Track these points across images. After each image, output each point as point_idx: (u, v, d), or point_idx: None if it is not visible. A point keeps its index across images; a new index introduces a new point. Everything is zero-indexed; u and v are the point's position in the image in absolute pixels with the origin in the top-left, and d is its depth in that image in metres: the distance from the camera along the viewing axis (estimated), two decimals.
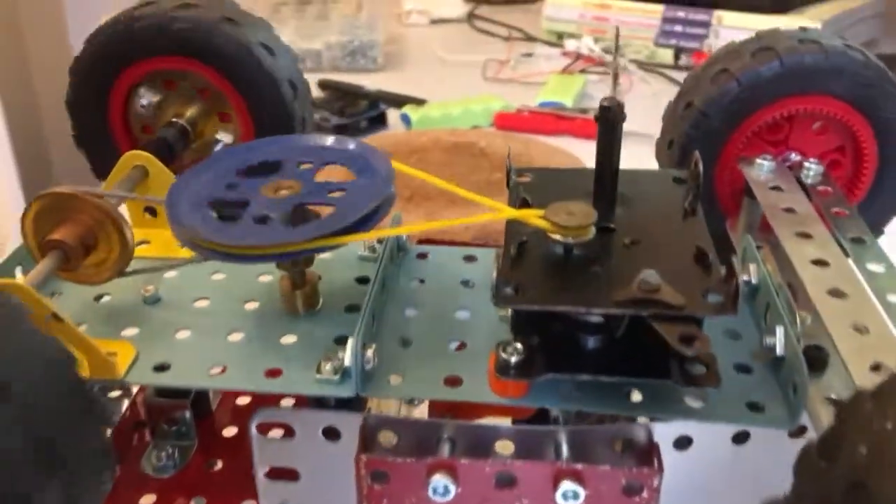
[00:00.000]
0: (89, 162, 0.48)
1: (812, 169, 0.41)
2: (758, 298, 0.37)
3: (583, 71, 1.11)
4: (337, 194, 0.34)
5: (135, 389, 0.44)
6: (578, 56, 1.15)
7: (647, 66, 1.10)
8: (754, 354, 0.35)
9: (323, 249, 0.32)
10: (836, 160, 0.45)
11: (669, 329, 0.29)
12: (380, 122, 0.97)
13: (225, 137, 0.47)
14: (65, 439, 0.25)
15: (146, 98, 0.47)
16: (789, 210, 0.38)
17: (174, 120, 0.46)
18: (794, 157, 0.45)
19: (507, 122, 0.96)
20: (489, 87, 1.09)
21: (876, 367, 0.31)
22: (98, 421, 0.27)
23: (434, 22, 1.37)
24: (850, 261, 0.36)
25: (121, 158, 0.41)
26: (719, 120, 0.44)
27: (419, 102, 1.00)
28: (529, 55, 1.17)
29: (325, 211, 0.34)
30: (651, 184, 0.38)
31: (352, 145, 0.37)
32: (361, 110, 0.96)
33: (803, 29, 0.45)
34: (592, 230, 0.33)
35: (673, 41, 1.13)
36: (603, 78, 1.09)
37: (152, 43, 0.44)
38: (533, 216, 0.33)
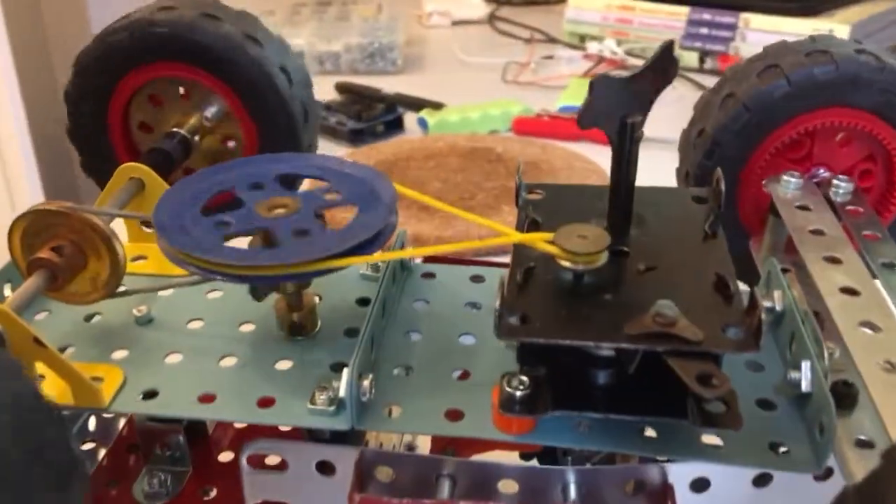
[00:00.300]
0: (80, 156, 0.47)
1: (842, 187, 0.39)
2: (782, 326, 0.34)
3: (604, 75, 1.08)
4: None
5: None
6: (601, 59, 1.12)
7: None
8: (778, 389, 0.33)
9: (321, 273, 0.30)
10: (868, 169, 0.43)
11: (686, 367, 0.27)
12: (397, 126, 0.95)
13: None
14: (13, 449, 0.23)
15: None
16: (817, 232, 0.36)
17: (175, 130, 0.44)
18: (823, 173, 0.42)
19: (527, 126, 0.94)
20: (509, 90, 1.06)
21: None
22: (57, 433, 0.25)
23: (455, 23, 1.35)
24: (882, 288, 0.33)
25: (116, 171, 0.39)
26: (733, 147, 0.41)
27: (437, 106, 0.98)
28: (550, 58, 1.15)
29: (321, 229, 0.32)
30: (669, 203, 0.36)
31: (356, 169, 0.35)
32: (378, 114, 0.94)
33: (812, 39, 0.43)
34: (605, 256, 0.30)
35: (698, 44, 1.11)
36: None
37: (165, 49, 0.43)
38: (541, 240, 0.31)
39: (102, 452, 0.41)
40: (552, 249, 0.31)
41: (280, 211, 0.33)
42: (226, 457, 0.41)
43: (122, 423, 0.43)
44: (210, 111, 0.45)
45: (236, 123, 0.46)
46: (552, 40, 1.23)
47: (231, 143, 0.47)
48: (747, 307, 0.29)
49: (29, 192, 1.12)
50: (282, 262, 0.29)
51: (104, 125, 0.45)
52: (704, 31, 1.11)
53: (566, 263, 0.30)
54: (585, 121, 0.31)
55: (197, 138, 0.45)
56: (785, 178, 0.39)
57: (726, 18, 1.09)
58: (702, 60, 1.10)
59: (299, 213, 0.32)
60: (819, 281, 0.33)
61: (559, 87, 1.05)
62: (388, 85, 1.04)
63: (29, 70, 1.14)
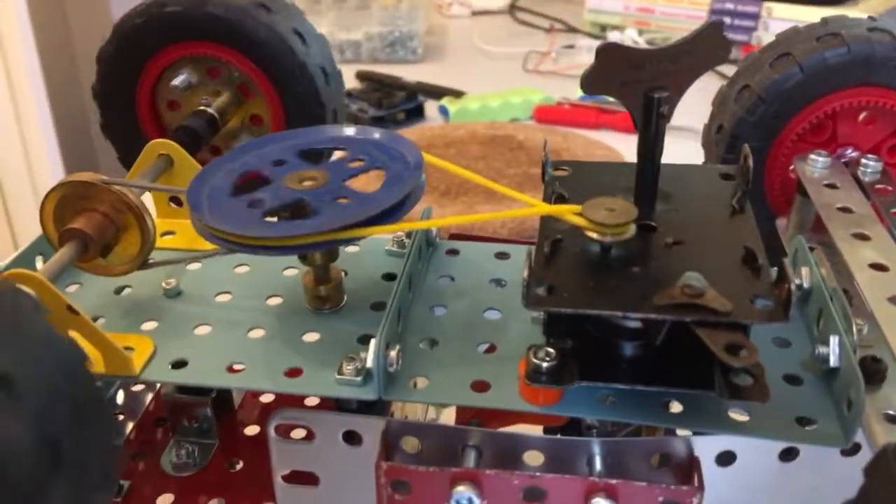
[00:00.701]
0: (116, 151, 0.47)
1: (870, 166, 0.39)
2: (810, 304, 0.34)
3: None
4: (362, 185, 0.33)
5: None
6: None
7: None
8: (805, 364, 0.33)
9: (346, 242, 0.31)
10: None
11: (714, 337, 0.27)
12: (417, 114, 0.96)
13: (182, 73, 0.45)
14: (71, 440, 0.24)
15: (181, 80, 0.46)
16: (845, 209, 0.36)
17: (202, 108, 0.45)
18: (851, 152, 0.42)
19: (547, 115, 0.94)
20: (530, 79, 1.06)
21: None
22: (106, 422, 0.26)
23: (475, 13, 1.35)
24: None
25: (145, 147, 0.40)
26: (753, 139, 0.41)
27: (457, 94, 0.98)
28: (571, 47, 1.15)
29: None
30: (696, 180, 0.36)
31: (378, 135, 0.35)
32: (399, 102, 0.95)
33: (824, 21, 0.43)
34: (633, 228, 0.30)
35: None
36: None
37: (181, 28, 0.43)
38: (569, 212, 0.31)
39: (130, 426, 0.42)
40: (580, 221, 0.31)
41: (309, 183, 0.33)
42: (252, 430, 0.41)
43: (149, 397, 0.44)
44: (235, 87, 0.45)
45: (261, 99, 0.46)
46: (573, 30, 1.23)
47: (257, 121, 0.48)
48: (776, 279, 0.29)
49: (50, 172, 1.14)
50: (326, 228, 0.30)
51: (133, 91, 0.45)
52: (727, 20, 1.10)
53: (594, 235, 0.30)
54: (587, 85, 0.32)
55: (225, 114, 0.45)
56: (812, 156, 0.39)
57: (749, 7, 1.09)
58: None
59: (330, 183, 0.33)
60: (848, 257, 0.33)
61: (580, 77, 1.04)
62: (409, 74, 1.04)
63: (51, 60, 1.15)
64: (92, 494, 0.25)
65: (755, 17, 1.08)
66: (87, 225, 0.34)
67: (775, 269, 0.29)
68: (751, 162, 0.34)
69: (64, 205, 0.34)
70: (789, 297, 0.27)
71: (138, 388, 0.44)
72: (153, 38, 0.44)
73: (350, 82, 1.01)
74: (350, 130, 0.36)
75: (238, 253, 0.32)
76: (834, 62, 0.40)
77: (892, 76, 0.40)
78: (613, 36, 1.15)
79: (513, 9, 1.35)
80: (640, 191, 0.33)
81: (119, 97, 0.46)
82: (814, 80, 0.41)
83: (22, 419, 0.22)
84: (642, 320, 0.29)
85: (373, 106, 0.93)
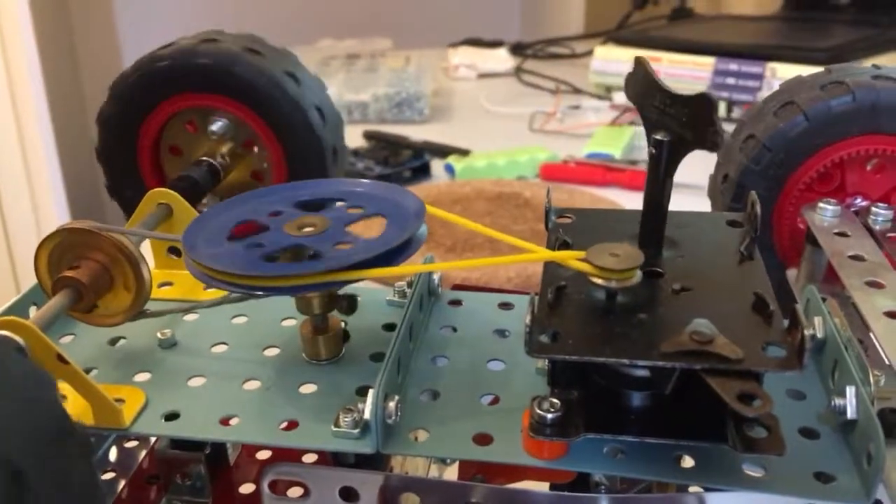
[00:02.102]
0: (123, 210, 0.47)
1: (881, 214, 0.38)
2: (824, 355, 0.33)
3: (631, 123, 1.09)
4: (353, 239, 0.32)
5: (152, 439, 0.42)
6: (627, 109, 1.13)
7: None
8: (821, 418, 0.31)
9: (344, 283, 0.30)
10: None
11: (725, 386, 0.26)
12: (424, 172, 0.96)
13: (220, 118, 0.45)
14: (39, 474, 0.22)
15: (219, 126, 0.46)
16: (857, 258, 0.35)
17: (203, 158, 0.44)
18: (860, 202, 0.41)
19: (554, 172, 0.94)
20: (536, 139, 1.07)
21: None
22: (80, 455, 0.24)
23: (482, 76, 1.36)
24: None
25: (146, 196, 0.39)
26: (759, 188, 0.41)
27: (464, 153, 0.98)
28: (577, 107, 1.15)
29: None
30: (702, 227, 0.35)
31: (379, 187, 0.35)
32: (405, 160, 0.95)
33: (829, 70, 0.43)
34: (638, 274, 0.30)
35: (725, 94, 1.11)
36: None
37: (174, 81, 0.43)
38: (573, 258, 0.30)
39: (122, 483, 0.41)
40: (584, 267, 0.30)
41: (309, 230, 0.32)
42: (247, 489, 0.40)
43: (142, 454, 0.42)
44: (240, 143, 0.45)
45: (266, 157, 0.46)
46: (578, 91, 1.24)
47: (258, 176, 0.48)
48: (789, 325, 0.28)
49: (56, 217, 1.14)
50: (327, 268, 0.29)
51: (134, 149, 0.45)
52: (731, 80, 1.11)
53: (599, 281, 0.29)
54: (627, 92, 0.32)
55: (226, 164, 0.45)
56: (821, 205, 0.39)
57: (753, 68, 1.10)
58: (729, 110, 1.10)
59: (331, 228, 0.32)
60: (862, 305, 0.32)
61: (586, 136, 1.05)
62: (416, 133, 1.04)
63: (59, 94, 1.17)
64: None
65: (759, 77, 1.09)
66: (82, 273, 0.33)
67: (788, 315, 0.28)
68: (758, 208, 0.34)
69: (60, 253, 0.34)
70: (803, 344, 0.26)
71: (131, 444, 0.42)
72: (147, 94, 0.44)
73: (357, 141, 1.02)
74: (350, 183, 0.36)
75: (233, 292, 0.31)
76: (839, 110, 0.40)
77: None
78: (619, 97, 1.16)
79: (518, 71, 1.36)
80: (647, 235, 0.33)
81: (121, 156, 0.46)
82: (819, 128, 0.41)
83: None
84: (650, 368, 0.28)
85: (379, 164, 0.94)
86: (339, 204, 0.35)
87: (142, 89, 0.44)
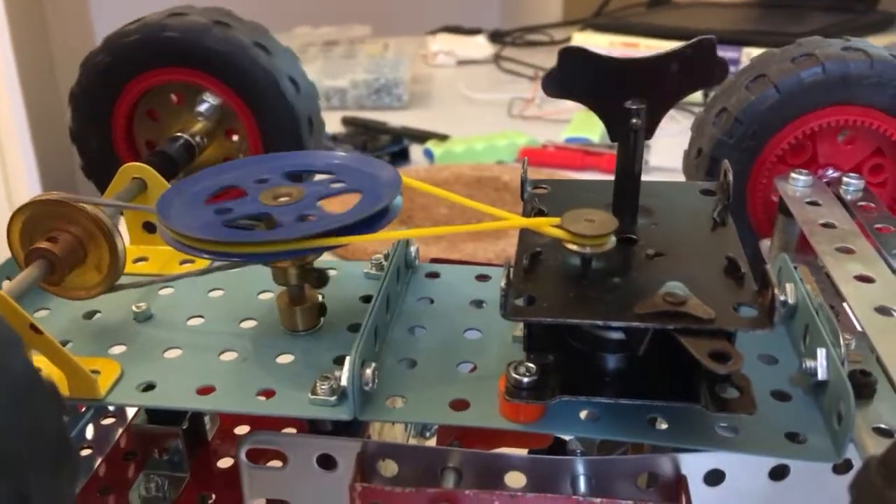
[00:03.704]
0: (81, 158, 0.47)
1: (852, 184, 0.38)
2: (796, 320, 0.33)
3: None
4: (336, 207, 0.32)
5: (129, 416, 0.42)
6: None
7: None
8: (793, 380, 0.32)
9: (320, 250, 0.30)
10: (878, 164, 0.42)
11: (698, 345, 0.26)
12: (402, 157, 0.96)
13: (210, 99, 0.45)
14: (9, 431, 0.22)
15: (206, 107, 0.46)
16: (829, 225, 0.35)
17: (178, 135, 0.44)
18: (832, 173, 0.42)
19: (533, 157, 0.94)
20: (515, 124, 1.07)
21: None
22: (52, 407, 0.24)
23: (461, 63, 1.36)
24: None
25: (119, 170, 0.39)
26: (732, 161, 0.41)
27: (442, 138, 0.98)
28: None
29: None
30: (676, 196, 0.35)
31: (357, 160, 0.35)
32: (384, 145, 0.95)
33: (799, 44, 0.43)
34: (613, 240, 0.30)
35: None
36: None
37: (146, 56, 0.43)
38: (547, 225, 0.30)
39: (99, 460, 0.40)
40: (559, 233, 0.30)
41: (284, 199, 0.32)
42: (225, 463, 0.40)
43: (119, 432, 0.42)
44: (217, 116, 0.45)
45: (242, 131, 0.46)
46: None
47: (235, 151, 0.47)
48: (759, 286, 0.28)
49: (28, 193, 1.13)
50: (281, 238, 0.29)
51: (108, 128, 0.45)
52: None
53: (573, 247, 0.30)
54: (545, 86, 0.32)
55: (202, 143, 0.45)
56: (793, 175, 0.39)
57: (729, 54, 1.10)
58: (705, 95, 1.11)
59: (302, 201, 0.32)
60: (833, 270, 0.32)
61: (564, 121, 1.05)
62: (394, 119, 1.04)
63: (31, 71, 1.15)
64: (40, 491, 0.23)
65: (735, 62, 1.09)
66: (55, 245, 0.33)
67: (759, 277, 0.28)
68: (731, 176, 0.34)
69: (32, 225, 0.34)
70: (773, 303, 0.26)
71: (108, 421, 0.42)
72: (118, 71, 0.44)
73: (335, 127, 1.01)
74: (340, 156, 0.35)
75: (190, 255, 0.31)
76: (809, 82, 0.40)
77: (868, 94, 0.40)
78: None
79: (497, 58, 1.36)
80: (620, 203, 0.33)
81: (95, 136, 0.46)
82: (790, 100, 0.41)
83: None
84: (624, 330, 0.28)
85: (357, 149, 0.93)
86: (322, 177, 0.34)
87: (112, 67, 0.44)
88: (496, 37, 1.46)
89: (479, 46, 1.39)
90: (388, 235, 0.32)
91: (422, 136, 0.99)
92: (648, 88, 0.32)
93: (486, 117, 1.10)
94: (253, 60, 0.43)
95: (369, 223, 0.30)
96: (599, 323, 0.27)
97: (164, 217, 0.30)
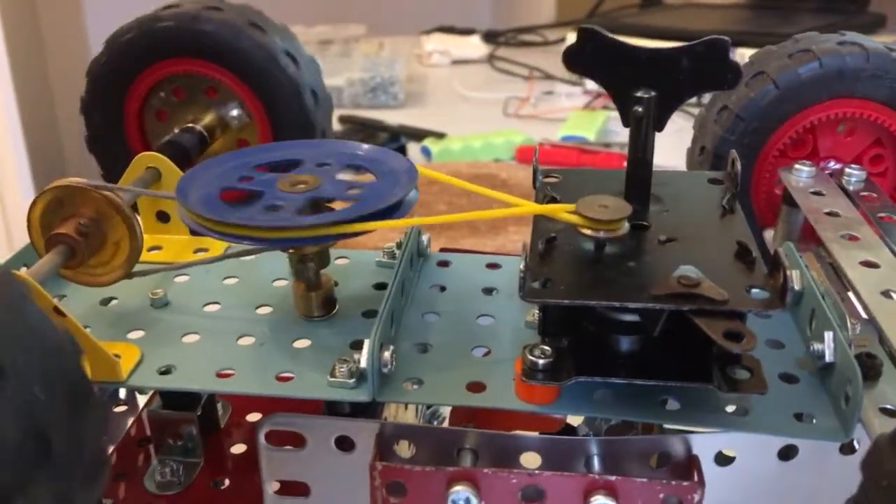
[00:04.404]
0: (100, 165, 0.47)
1: (854, 175, 0.39)
2: (802, 306, 0.34)
3: (605, 107, 1.10)
4: (356, 192, 0.33)
5: (140, 404, 0.42)
6: (600, 94, 1.14)
7: None
8: (800, 363, 0.32)
9: (339, 237, 0.30)
10: (878, 154, 0.43)
11: (712, 325, 0.27)
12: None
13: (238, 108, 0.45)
14: (60, 432, 0.23)
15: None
16: (833, 214, 0.36)
17: (191, 125, 0.45)
18: (834, 165, 0.43)
19: (529, 155, 0.94)
20: (510, 123, 1.08)
21: None
22: (96, 420, 0.25)
23: (455, 62, 1.37)
24: None
25: (134, 159, 0.39)
26: (756, 122, 0.42)
27: (439, 136, 0.99)
28: (550, 93, 1.17)
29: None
30: (685, 185, 0.36)
31: (375, 150, 0.36)
32: (381, 143, 0.95)
33: (795, 40, 0.44)
34: (626, 225, 0.31)
35: None
36: None
37: (172, 44, 0.43)
38: (562, 211, 0.31)
39: (111, 449, 0.41)
40: (573, 219, 0.31)
41: (300, 187, 0.33)
42: (238, 449, 0.40)
43: (130, 420, 0.43)
44: (231, 113, 0.45)
45: (253, 131, 0.46)
46: (550, 77, 1.25)
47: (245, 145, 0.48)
48: (771, 269, 0.29)
49: (20, 191, 1.12)
50: (297, 224, 0.29)
51: (121, 131, 0.45)
52: None
53: (588, 232, 0.30)
54: (566, 59, 0.33)
55: (211, 134, 0.45)
56: (797, 166, 0.40)
57: None
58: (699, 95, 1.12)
59: (317, 189, 0.33)
60: (838, 256, 0.33)
61: (559, 120, 1.06)
62: (391, 118, 1.05)
63: (23, 72, 1.15)
64: (80, 490, 0.24)
65: None
66: (75, 230, 0.33)
67: (770, 260, 0.29)
68: (738, 166, 0.35)
69: (52, 210, 0.34)
70: (785, 284, 0.27)
71: (120, 409, 0.43)
72: (144, 51, 0.44)
73: (332, 126, 1.02)
74: (352, 145, 0.36)
75: (210, 237, 0.32)
76: (807, 77, 0.41)
77: (865, 87, 0.41)
78: (591, 83, 1.17)
79: (491, 58, 1.37)
80: (632, 191, 0.33)
81: (106, 110, 0.46)
82: (789, 95, 0.42)
83: (7, 408, 0.21)
84: (640, 311, 0.29)
85: None
86: (333, 164, 0.35)
87: (115, 67, 0.44)
88: (490, 37, 1.47)
89: (474, 46, 1.40)
90: (404, 222, 0.32)
91: (419, 135, 0.99)
92: (660, 80, 0.32)
93: (481, 116, 1.11)
94: (282, 69, 0.44)
95: (386, 213, 0.31)
96: (616, 304, 0.28)
97: (183, 200, 0.31)
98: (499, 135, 0.98)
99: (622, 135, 1.02)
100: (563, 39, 1.28)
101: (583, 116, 1.05)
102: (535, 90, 1.18)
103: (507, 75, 1.29)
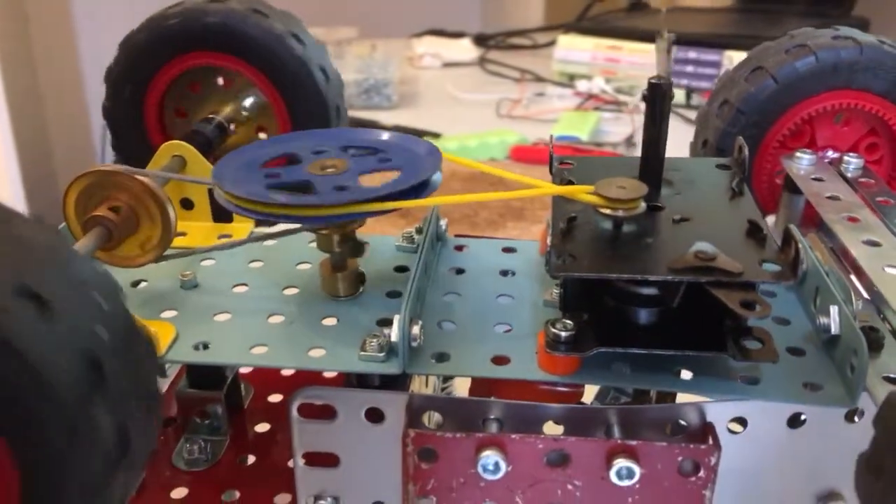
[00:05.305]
0: (112, 136, 0.48)
1: (852, 162, 0.41)
2: (806, 284, 0.36)
3: (596, 108, 1.12)
4: (386, 171, 0.35)
5: (165, 386, 0.43)
6: (590, 95, 1.16)
7: None
8: (806, 337, 0.34)
9: (371, 214, 0.32)
10: (873, 143, 0.46)
11: (730, 296, 0.29)
12: None
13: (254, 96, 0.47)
14: (112, 362, 0.24)
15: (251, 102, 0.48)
16: (834, 198, 0.38)
17: (211, 116, 0.46)
18: (832, 154, 0.45)
19: (524, 154, 0.96)
20: (503, 123, 1.10)
21: None
22: (145, 353, 0.26)
23: (446, 65, 1.39)
24: None
25: (160, 148, 0.41)
26: (756, 115, 0.44)
27: (434, 136, 1.00)
28: (542, 95, 1.19)
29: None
30: (694, 170, 0.38)
31: (397, 137, 0.37)
32: None
33: (791, 36, 0.46)
34: (643, 205, 0.32)
35: (684, 81, 1.15)
36: (618, 116, 1.10)
37: (183, 40, 0.45)
38: (582, 192, 0.33)
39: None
40: (593, 199, 0.32)
41: (330, 170, 0.34)
42: (262, 427, 0.41)
43: None
44: (247, 102, 0.47)
45: (271, 116, 0.48)
46: (541, 79, 1.27)
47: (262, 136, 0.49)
48: (783, 243, 0.30)
49: (10, 189, 1.13)
50: (336, 201, 0.31)
51: (141, 106, 0.47)
52: (690, 69, 1.15)
53: (607, 211, 0.32)
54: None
55: (232, 127, 0.47)
56: (798, 154, 0.42)
57: (711, 56, 1.14)
58: (688, 97, 1.15)
59: (345, 173, 0.34)
60: (841, 236, 0.35)
61: (551, 121, 1.08)
62: (385, 119, 1.06)
63: (12, 71, 1.15)
64: (138, 415, 0.25)
65: (717, 65, 1.13)
66: (112, 212, 0.35)
67: (782, 235, 0.31)
68: (746, 151, 0.37)
69: (88, 194, 0.35)
70: (797, 258, 0.29)
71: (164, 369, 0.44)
72: (186, 41, 0.46)
73: None
74: (370, 133, 0.38)
75: (243, 216, 0.33)
76: (804, 70, 0.43)
77: (860, 78, 0.43)
78: (582, 85, 1.19)
79: (482, 61, 1.39)
80: (646, 175, 0.35)
81: (128, 114, 0.47)
82: (787, 88, 0.44)
83: (59, 338, 0.22)
84: (660, 284, 0.31)
85: None
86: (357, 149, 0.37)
87: (151, 48, 0.45)
88: (481, 40, 1.49)
89: (465, 49, 1.42)
90: (430, 201, 0.34)
91: (413, 135, 1.01)
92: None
93: (475, 117, 1.13)
94: (289, 50, 0.45)
95: (415, 191, 0.33)
96: (638, 277, 0.30)
97: (219, 180, 0.32)
98: (493, 135, 1.00)
99: (614, 135, 1.04)
100: (552, 43, 1.30)
101: (575, 117, 1.07)
102: (526, 92, 1.20)
103: (498, 77, 1.31)
